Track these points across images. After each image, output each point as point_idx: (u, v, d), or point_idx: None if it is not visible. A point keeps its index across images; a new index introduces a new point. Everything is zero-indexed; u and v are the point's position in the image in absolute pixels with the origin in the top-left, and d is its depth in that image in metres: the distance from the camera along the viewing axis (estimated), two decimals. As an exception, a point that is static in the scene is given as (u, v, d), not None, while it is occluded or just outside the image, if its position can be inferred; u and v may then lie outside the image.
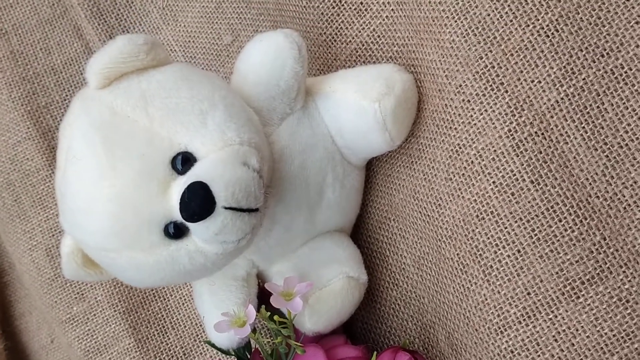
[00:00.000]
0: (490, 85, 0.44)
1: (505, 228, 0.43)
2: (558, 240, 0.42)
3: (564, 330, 0.42)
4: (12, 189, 0.63)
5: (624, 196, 0.42)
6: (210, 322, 0.47)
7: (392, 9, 0.50)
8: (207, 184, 0.39)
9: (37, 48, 0.65)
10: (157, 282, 0.45)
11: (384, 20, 0.50)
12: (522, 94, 0.43)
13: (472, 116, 0.44)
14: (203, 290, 0.50)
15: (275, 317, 0.44)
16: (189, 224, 0.40)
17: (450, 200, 0.46)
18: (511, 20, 0.43)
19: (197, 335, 0.60)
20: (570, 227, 0.42)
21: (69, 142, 0.42)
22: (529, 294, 0.43)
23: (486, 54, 0.44)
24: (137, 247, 0.41)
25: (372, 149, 0.49)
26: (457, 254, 0.45)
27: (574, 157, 0.42)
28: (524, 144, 0.43)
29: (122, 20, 0.65)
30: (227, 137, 0.41)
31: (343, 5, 0.52)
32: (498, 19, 0.43)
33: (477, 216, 0.44)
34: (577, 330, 0.42)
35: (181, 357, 0.60)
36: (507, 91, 0.43)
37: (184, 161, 0.41)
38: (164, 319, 0.61)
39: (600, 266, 0.42)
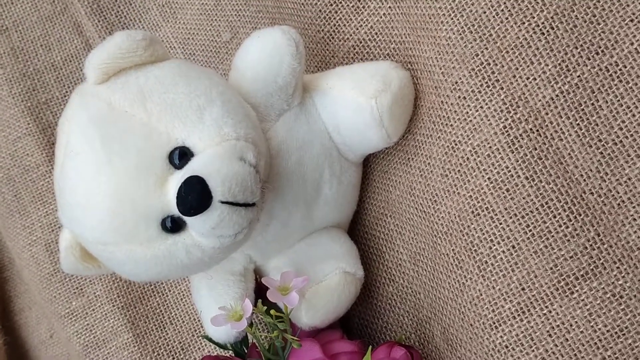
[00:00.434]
0: (486, 82, 0.44)
1: (500, 224, 0.43)
2: (552, 236, 0.42)
3: (558, 326, 0.42)
4: (12, 184, 0.64)
5: (618, 192, 0.42)
6: (208, 317, 0.47)
7: (390, 7, 0.50)
8: (204, 178, 0.39)
9: (37, 44, 0.65)
10: (155, 276, 0.45)
11: (381, 17, 0.51)
12: (517, 91, 0.43)
13: (467, 113, 0.44)
14: (201, 284, 0.50)
15: (272, 312, 0.45)
16: (186, 218, 0.40)
17: (446, 197, 0.46)
18: (507, 18, 0.43)
19: (195, 330, 0.61)
20: (564, 223, 0.42)
21: (67, 137, 0.42)
22: (523, 289, 0.43)
23: (482, 51, 0.44)
24: (135, 241, 0.41)
25: (369, 145, 0.49)
26: (453, 250, 0.45)
27: (569, 154, 0.42)
28: (519, 141, 0.43)
29: (122, 17, 0.65)
30: (224, 132, 0.41)
31: (341, 2, 0.52)
32: (494, 17, 0.43)
33: (473, 212, 0.44)
34: (571, 325, 0.42)
35: (179, 351, 0.60)
36: (502, 88, 0.43)
37: (181, 156, 0.41)
38: (163, 314, 0.61)
39: (595, 262, 0.42)
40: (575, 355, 0.42)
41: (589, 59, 0.42)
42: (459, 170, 0.45)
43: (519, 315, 0.43)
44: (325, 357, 0.46)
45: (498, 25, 0.43)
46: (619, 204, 0.42)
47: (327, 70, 0.50)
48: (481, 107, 0.44)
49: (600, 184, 0.42)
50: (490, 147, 0.44)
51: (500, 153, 0.43)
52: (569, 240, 0.42)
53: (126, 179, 0.40)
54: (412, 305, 0.51)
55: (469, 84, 0.44)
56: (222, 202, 0.40)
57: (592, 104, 0.42)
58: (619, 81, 0.42)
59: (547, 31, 0.42)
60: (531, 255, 0.43)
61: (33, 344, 0.67)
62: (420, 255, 0.49)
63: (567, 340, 0.42)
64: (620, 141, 0.42)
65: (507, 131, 0.43)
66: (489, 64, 0.44)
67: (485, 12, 0.44)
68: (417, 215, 0.49)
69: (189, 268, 0.44)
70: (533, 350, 0.42)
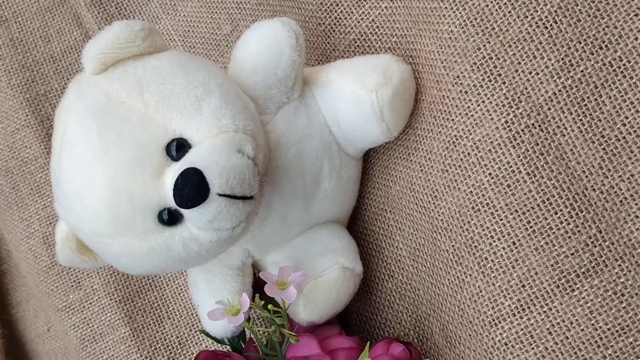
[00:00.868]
0: (488, 77, 0.43)
1: (501, 220, 0.43)
2: (554, 233, 0.42)
3: (558, 323, 0.42)
4: (10, 176, 0.63)
5: (621, 189, 0.42)
6: (205, 311, 0.46)
7: (391, 0, 0.50)
8: (202, 170, 0.39)
9: (36, 36, 0.65)
10: (152, 270, 0.45)
11: (382, 10, 0.50)
12: (519, 86, 0.43)
13: (469, 107, 0.44)
14: (198, 278, 0.50)
15: (270, 306, 0.44)
16: (183, 211, 0.40)
17: (447, 192, 0.45)
18: (510, 12, 0.43)
19: (193, 325, 0.61)
20: (566, 220, 0.42)
21: (64, 127, 0.42)
22: (523, 286, 0.43)
23: (484, 45, 0.43)
24: (131, 233, 0.41)
25: (369, 139, 0.49)
26: (453, 246, 0.45)
27: (571, 150, 0.42)
28: (520, 136, 0.43)
29: (122, 8, 0.65)
30: (222, 124, 0.41)
31: (342, -5, 0.52)
32: (497, 10, 0.43)
33: (473, 208, 0.44)
34: (571, 323, 0.42)
35: (177, 346, 0.60)
36: (504, 82, 0.43)
37: (178, 147, 0.40)
38: (160, 308, 0.61)
39: (596, 259, 0.42)
40: (576, 353, 0.41)
41: (593, 54, 0.42)
42: (459, 166, 0.45)
43: (519, 312, 0.43)
44: (323, 352, 0.46)
45: (501, 18, 0.43)
46: (621, 201, 0.41)
47: (328, 64, 0.50)
48: (483, 102, 0.44)
49: (602, 181, 0.42)
50: (491, 142, 0.43)
51: (501, 148, 0.43)
52: (570, 237, 0.42)
53: (123, 170, 0.40)
54: (411, 301, 0.50)
55: (470, 78, 0.44)
56: (220, 195, 0.39)
57: (596, 100, 0.42)
58: (622, 76, 0.41)
59: (551, 25, 0.42)
60: (532, 252, 0.42)
61: (30, 337, 0.67)
62: (419, 251, 0.49)
63: (567, 338, 0.42)
64: (624, 137, 0.41)
65: (508, 126, 0.43)
66: (491, 58, 0.43)
67: (487, 6, 0.43)
68: (417, 210, 0.48)
69: (186, 261, 0.44)
70: (533, 348, 0.42)
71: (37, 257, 0.63)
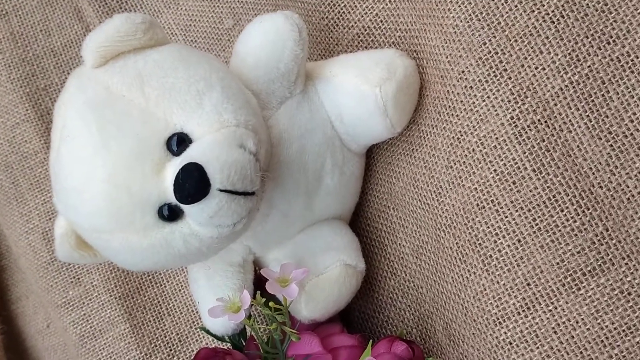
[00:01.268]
0: (494, 72, 0.43)
1: (506, 217, 0.43)
2: (559, 230, 0.42)
3: (563, 322, 0.42)
4: (10, 171, 0.63)
5: (628, 187, 0.41)
6: (205, 308, 0.46)
7: (396, -6, 0.49)
8: (202, 165, 0.38)
9: (37, 30, 0.65)
10: (152, 266, 0.44)
11: (386, 4, 0.50)
12: (525, 81, 0.42)
13: (474, 103, 0.44)
14: (199, 275, 0.49)
15: (271, 304, 0.44)
16: (184, 206, 0.40)
17: (451, 189, 0.45)
18: (516, 6, 0.42)
19: (193, 322, 0.60)
20: (572, 217, 0.41)
21: (63, 120, 0.42)
22: (528, 284, 0.42)
23: (490, 40, 0.43)
24: (131, 229, 0.41)
25: (372, 135, 0.48)
26: (457, 243, 0.45)
27: (578, 146, 0.42)
28: (526, 132, 0.42)
29: (123, 2, 0.65)
30: (224, 118, 0.40)
31: (346, -11, 0.51)
32: (502, 4, 0.43)
33: (478, 205, 0.44)
34: (577, 322, 0.41)
35: (177, 343, 0.60)
36: (510, 78, 0.43)
37: (179, 142, 0.40)
38: (160, 305, 0.61)
39: (602, 257, 0.41)
40: (581, 353, 0.41)
41: (600, 49, 0.41)
42: (464, 162, 0.44)
43: (523, 311, 0.42)
44: (324, 350, 0.46)
45: (507, 12, 0.43)
46: (628, 199, 0.41)
47: (331, 58, 0.50)
48: (488, 97, 0.43)
49: (609, 178, 0.41)
50: (497, 138, 0.43)
51: (507, 144, 0.43)
52: (576, 235, 0.41)
53: (122, 165, 0.40)
54: (414, 299, 0.50)
55: (475, 73, 0.43)
56: (221, 191, 0.39)
57: (603, 95, 0.41)
58: (630, 72, 0.41)
59: (557, 20, 0.42)
60: (537, 249, 0.42)
61: (29, 333, 0.67)
62: (423, 249, 0.49)
63: (572, 337, 0.41)
64: (631, 134, 0.41)
65: (514, 122, 0.42)
66: (497, 53, 0.43)
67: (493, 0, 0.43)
68: (420, 207, 0.48)
69: (187, 258, 0.43)
70: (538, 348, 0.42)
71: (36, 253, 0.62)
